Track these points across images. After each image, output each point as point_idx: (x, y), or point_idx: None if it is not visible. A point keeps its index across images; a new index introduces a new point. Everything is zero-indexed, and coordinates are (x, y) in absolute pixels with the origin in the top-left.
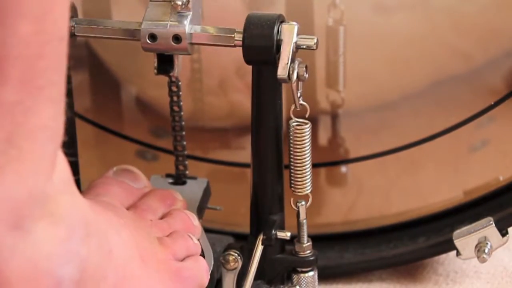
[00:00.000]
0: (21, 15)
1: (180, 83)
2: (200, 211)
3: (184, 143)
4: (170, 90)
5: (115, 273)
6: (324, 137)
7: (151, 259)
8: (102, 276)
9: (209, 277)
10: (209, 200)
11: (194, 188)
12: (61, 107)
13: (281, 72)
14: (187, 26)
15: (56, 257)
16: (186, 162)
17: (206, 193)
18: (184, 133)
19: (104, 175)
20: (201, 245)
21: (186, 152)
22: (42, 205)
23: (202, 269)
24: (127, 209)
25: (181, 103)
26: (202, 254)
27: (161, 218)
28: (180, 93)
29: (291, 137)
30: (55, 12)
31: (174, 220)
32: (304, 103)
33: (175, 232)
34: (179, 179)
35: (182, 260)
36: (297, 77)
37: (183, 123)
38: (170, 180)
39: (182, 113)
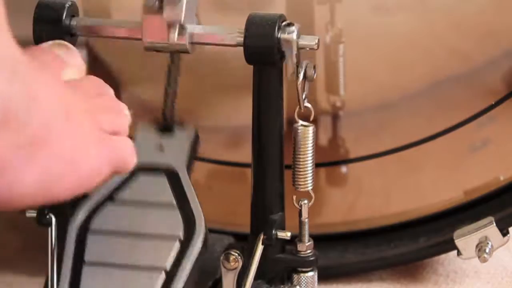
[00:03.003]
0: None
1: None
2: (190, 161)
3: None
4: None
5: (38, 121)
6: (324, 137)
7: (77, 120)
8: (24, 121)
9: (134, 160)
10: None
11: (183, 137)
12: None
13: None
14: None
15: None
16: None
17: (195, 142)
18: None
19: (39, 45)
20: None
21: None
22: None
23: (127, 147)
24: None
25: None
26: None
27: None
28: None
29: (295, 139)
30: None
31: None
32: (309, 105)
33: (107, 107)
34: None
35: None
36: (304, 76)
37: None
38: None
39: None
